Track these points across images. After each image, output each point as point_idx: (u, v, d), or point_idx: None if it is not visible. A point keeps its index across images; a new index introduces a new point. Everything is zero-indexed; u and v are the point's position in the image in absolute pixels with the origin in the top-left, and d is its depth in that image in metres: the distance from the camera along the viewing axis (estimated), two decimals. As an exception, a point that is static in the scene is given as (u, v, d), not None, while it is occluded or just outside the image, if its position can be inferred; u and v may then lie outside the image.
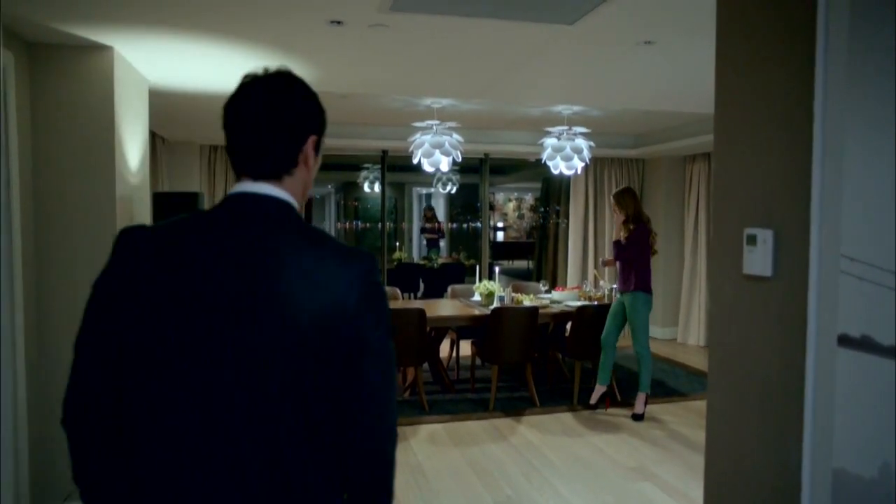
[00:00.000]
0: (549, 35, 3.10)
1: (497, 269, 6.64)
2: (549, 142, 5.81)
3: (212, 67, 3.65)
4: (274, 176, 1.09)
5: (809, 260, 1.32)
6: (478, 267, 7.23)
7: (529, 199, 16.46)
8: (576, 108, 5.78)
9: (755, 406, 1.51)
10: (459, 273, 9.30)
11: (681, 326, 8.00)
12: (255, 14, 2.78)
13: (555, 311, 5.58)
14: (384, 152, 7.83)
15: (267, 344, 1.00)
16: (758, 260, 1.47)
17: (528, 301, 5.69)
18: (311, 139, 1.12)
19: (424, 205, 14.78)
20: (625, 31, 3.07)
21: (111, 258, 1.07)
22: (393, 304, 5.49)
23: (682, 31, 3.06)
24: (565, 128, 5.85)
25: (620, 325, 5.15)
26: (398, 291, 6.41)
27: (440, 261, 9.94)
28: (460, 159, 5.68)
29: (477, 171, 8.64)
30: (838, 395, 1.25)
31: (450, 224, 15.25)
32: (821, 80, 1.30)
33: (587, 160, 5.85)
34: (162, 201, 3.59)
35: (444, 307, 5.82)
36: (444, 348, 6.39)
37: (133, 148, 3.54)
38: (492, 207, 15.66)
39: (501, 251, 15.81)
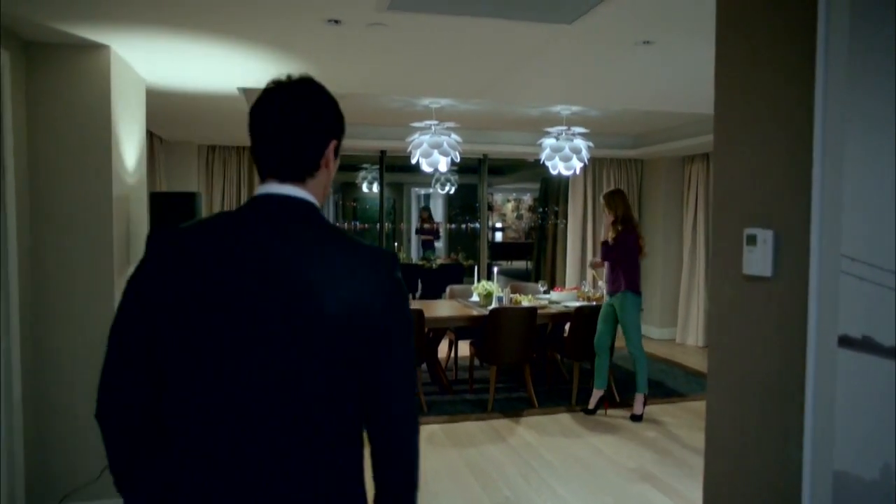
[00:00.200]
0: (548, 34, 3.09)
1: (496, 269, 6.64)
2: (548, 142, 5.81)
3: (209, 67, 3.63)
4: (298, 178, 1.14)
5: (810, 260, 1.31)
6: (476, 267, 7.22)
7: (528, 199, 16.46)
8: (574, 109, 5.77)
9: (755, 407, 1.50)
10: (458, 273, 9.29)
11: (679, 327, 8.00)
12: (253, 13, 2.77)
13: (553, 311, 5.58)
14: (382, 152, 7.82)
15: (295, 340, 1.05)
16: (758, 260, 1.47)
17: (526, 302, 5.68)
18: (333, 143, 1.18)
19: (421, 205, 14.77)
20: (624, 30, 3.06)
21: (143, 258, 1.12)
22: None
23: (681, 31, 3.06)
24: (564, 128, 5.85)
25: (612, 327, 5.13)
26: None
27: (438, 261, 9.93)
28: (459, 159, 5.67)
29: (475, 172, 8.64)
30: (839, 397, 1.24)
31: (448, 225, 15.25)
32: (821, 79, 1.29)
33: (586, 160, 5.84)
34: (159, 201, 3.57)
35: (442, 308, 5.81)
36: (443, 349, 6.37)
37: (130, 147, 3.52)
38: (490, 208, 15.65)
39: (500, 252, 15.81)
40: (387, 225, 8.54)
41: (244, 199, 7.21)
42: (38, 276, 3.09)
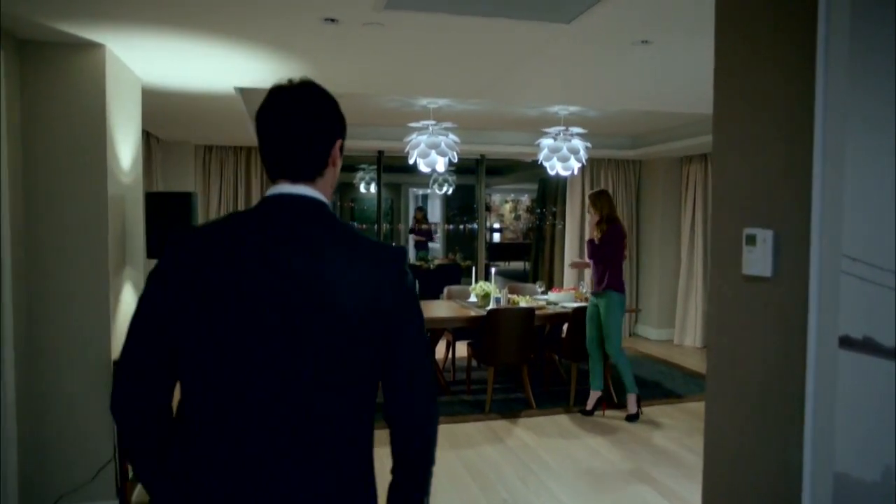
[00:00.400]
0: (546, 34, 3.08)
1: (493, 270, 6.63)
2: (546, 142, 5.80)
3: (205, 66, 3.61)
4: (308, 178, 1.19)
5: (810, 260, 1.30)
6: (474, 268, 7.20)
7: (526, 200, 16.45)
8: (572, 109, 5.76)
9: (755, 409, 1.48)
10: (455, 274, 9.28)
11: (677, 328, 8.00)
12: (250, 12, 2.75)
13: (551, 312, 5.56)
14: (380, 153, 7.80)
15: (310, 335, 1.10)
16: (757, 260, 1.45)
17: (524, 302, 5.67)
18: (338, 142, 1.24)
19: (416, 206, 14.73)
20: (622, 30, 3.06)
21: (162, 257, 1.16)
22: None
23: (680, 30, 3.05)
24: (562, 128, 5.84)
25: (600, 327, 5.13)
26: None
27: (436, 262, 9.92)
28: (456, 160, 5.66)
29: (473, 172, 8.63)
30: (839, 398, 1.23)
31: (446, 225, 15.23)
32: (821, 78, 1.28)
33: (584, 161, 5.83)
34: (155, 201, 3.55)
35: (440, 308, 5.79)
36: (440, 350, 6.36)
37: (125, 147, 3.51)
38: (488, 208, 15.64)
39: (498, 252, 15.81)
40: (384, 225, 8.52)
41: (241, 199, 7.19)
42: (33, 276, 3.07)
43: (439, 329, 5.78)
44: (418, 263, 9.42)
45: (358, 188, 10.89)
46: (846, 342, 1.22)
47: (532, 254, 10.83)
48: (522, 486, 3.83)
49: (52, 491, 3.13)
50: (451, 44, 3.28)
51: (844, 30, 1.24)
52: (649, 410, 5.27)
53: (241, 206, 7.18)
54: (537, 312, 5.29)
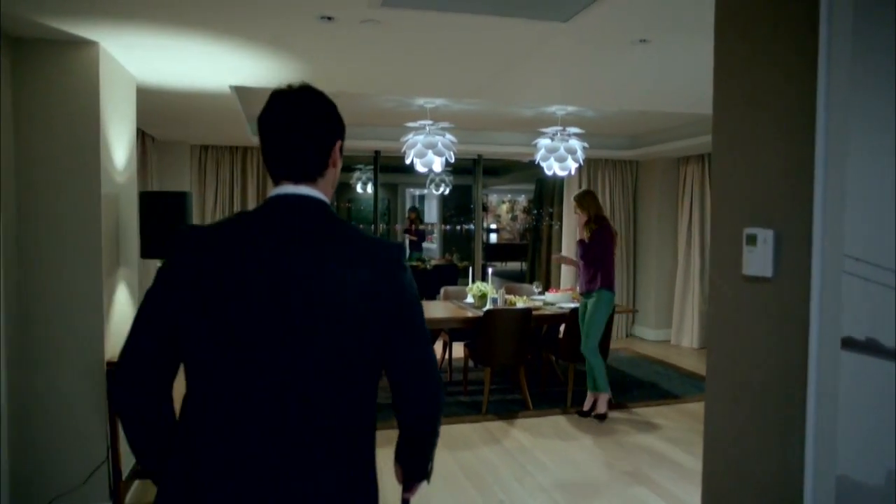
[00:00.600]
0: (544, 32, 3.06)
1: (490, 270, 6.61)
2: (543, 142, 5.78)
3: (201, 65, 3.58)
4: (309, 178, 1.24)
5: (812, 260, 1.28)
6: (471, 268, 7.20)
7: (523, 200, 16.44)
8: (570, 109, 5.74)
9: (755, 411, 1.46)
10: (452, 275, 9.25)
11: (674, 328, 7.98)
12: (245, 9, 2.73)
13: (548, 313, 5.55)
14: (377, 153, 7.78)
15: (312, 329, 1.13)
16: (758, 260, 1.43)
17: (521, 303, 5.65)
18: (338, 143, 1.28)
19: (409, 206, 14.68)
20: (620, 29, 3.04)
21: (170, 254, 1.20)
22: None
23: (678, 29, 3.03)
24: (559, 128, 5.82)
25: None
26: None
27: (433, 262, 9.89)
28: (453, 160, 5.64)
29: (470, 173, 8.61)
30: (842, 400, 1.21)
31: (443, 226, 15.21)
32: (823, 77, 1.26)
33: (581, 161, 5.81)
34: (149, 201, 3.52)
35: (436, 309, 5.77)
36: (437, 350, 6.34)
37: (119, 146, 3.47)
38: (485, 209, 15.62)
39: (494, 253, 15.79)
40: (381, 226, 8.50)
41: (237, 199, 7.16)
42: (25, 276, 3.04)
43: (436, 330, 5.75)
44: (415, 264, 9.39)
45: (355, 188, 10.85)
46: (849, 343, 1.20)
47: (529, 254, 10.81)
48: (519, 487, 3.81)
49: (44, 493, 3.10)
50: (448, 42, 3.25)
51: (847, 28, 1.22)
52: (647, 411, 5.25)
53: (237, 207, 7.15)
54: (534, 313, 5.28)
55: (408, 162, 5.60)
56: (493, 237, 16.91)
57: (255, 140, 5.68)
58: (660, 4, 2.71)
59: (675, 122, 6.61)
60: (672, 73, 3.92)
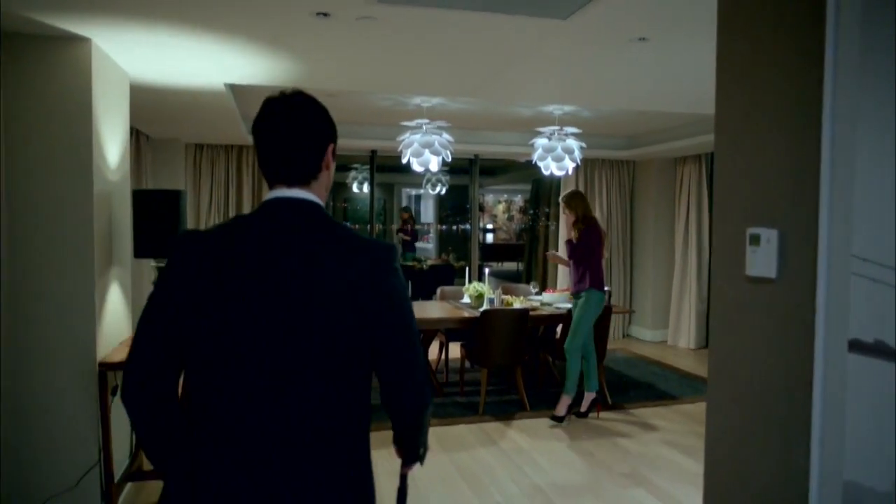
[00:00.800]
0: (543, 30, 3.03)
1: (487, 270, 6.58)
2: (540, 142, 5.75)
3: (195, 62, 3.54)
4: (303, 182, 1.27)
5: (817, 261, 1.25)
6: (467, 269, 7.16)
7: (519, 200, 16.42)
8: (567, 109, 5.72)
9: (758, 415, 1.44)
10: (449, 275, 9.22)
11: (671, 329, 7.97)
12: (240, 5, 2.69)
13: (545, 313, 5.52)
14: (373, 152, 7.74)
15: (307, 329, 1.16)
16: (761, 261, 1.41)
17: (517, 303, 5.62)
18: (330, 146, 1.32)
19: (402, 206, 14.62)
20: (619, 27, 3.01)
21: (170, 257, 1.24)
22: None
23: (678, 27, 3.01)
24: (556, 128, 5.80)
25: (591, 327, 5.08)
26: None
27: (429, 262, 9.86)
28: (450, 159, 5.61)
29: (467, 173, 8.57)
30: (849, 404, 1.18)
31: (439, 226, 15.18)
32: (830, 76, 1.23)
33: (578, 161, 5.79)
34: (142, 199, 3.48)
35: (432, 309, 5.74)
36: (433, 351, 6.31)
37: (112, 144, 3.43)
38: (481, 209, 15.60)
39: (491, 253, 15.77)
40: (377, 226, 8.47)
41: (232, 198, 7.12)
42: (16, 275, 2.99)
43: (432, 330, 5.72)
44: (410, 264, 9.35)
45: (351, 188, 10.81)
46: (856, 346, 1.17)
47: (525, 255, 10.79)
48: (516, 488, 3.78)
49: (36, 495, 3.05)
50: (445, 40, 3.22)
51: (854, 28, 1.20)
52: (644, 412, 5.23)
53: (232, 205, 7.11)
54: (531, 313, 5.25)
55: (404, 161, 5.57)
56: (490, 237, 16.89)
57: (250, 139, 5.65)
58: (659, 3, 2.68)
59: (672, 123, 6.59)
60: (671, 71, 3.89)
